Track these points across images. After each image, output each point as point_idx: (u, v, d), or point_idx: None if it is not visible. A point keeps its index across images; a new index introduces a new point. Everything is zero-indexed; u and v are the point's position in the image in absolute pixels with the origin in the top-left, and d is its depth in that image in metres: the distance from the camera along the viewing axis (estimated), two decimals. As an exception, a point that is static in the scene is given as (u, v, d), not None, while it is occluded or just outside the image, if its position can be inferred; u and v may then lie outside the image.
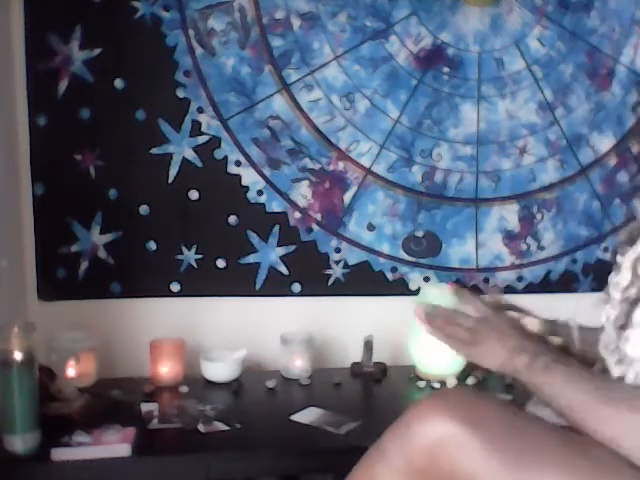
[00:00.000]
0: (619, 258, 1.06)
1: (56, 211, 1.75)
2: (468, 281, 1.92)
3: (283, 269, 1.85)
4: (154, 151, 1.77)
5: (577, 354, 1.15)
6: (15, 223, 1.73)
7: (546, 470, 0.87)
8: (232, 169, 1.80)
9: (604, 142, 1.93)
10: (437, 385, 1.71)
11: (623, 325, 0.98)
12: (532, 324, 1.17)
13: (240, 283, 1.84)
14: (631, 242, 1.04)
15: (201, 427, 1.43)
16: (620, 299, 1.00)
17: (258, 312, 1.85)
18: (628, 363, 0.95)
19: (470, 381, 1.72)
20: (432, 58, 1.84)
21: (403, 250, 1.89)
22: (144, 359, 1.71)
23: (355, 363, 1.82)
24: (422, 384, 1.72)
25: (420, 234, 1.90)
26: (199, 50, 1.76)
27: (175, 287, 1.82)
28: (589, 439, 0.90)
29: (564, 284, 1.97)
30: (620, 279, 1.02)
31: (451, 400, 0.94)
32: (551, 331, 1.21)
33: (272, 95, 1.79)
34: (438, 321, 1.06)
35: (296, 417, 1.50)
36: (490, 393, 1.59)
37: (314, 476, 1.51)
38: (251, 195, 1.82)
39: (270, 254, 1.84)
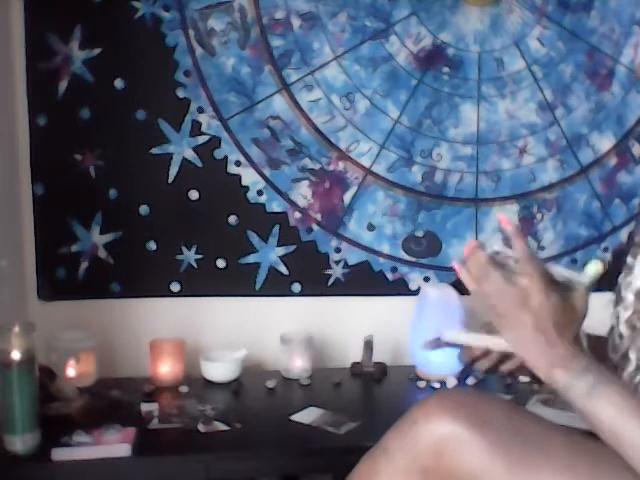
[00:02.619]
0: (630, 260, 1.05)
1: (56, 211, 1.75)
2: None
3: (283, 269, 1.85)
4: (154, 151, 1.77)
5: None
6: (15, 223, 1.73)
7: (549, 471, 0.87)
8: (232, 169, 1.80)
9: (604, 142, 1.93)
10: (437, 385, 1.71)
11: (636, 325, 0.97)
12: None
13: (240, 283, 1.84)
14: None
15: (201, 427, 1.43)
16: (634, 300, 0.99)
17: (258, 312, 1.85)
18: None
19: (470, 381, 1.72)
20: (432, 58, 1.84)
21: (403, 250, 1.89)
22: (144, 359, 1.71)
23: (355, 363, 1.82)
24: (422, 384, 1.72)
25: (420, 234, 1.90)
26: (199, 50, 1.76)
27: (175, 287, 1.82)
28: (590, 440, 0.90)
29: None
30: (633, 279, 1.01)
31: (455, 400, 0.93)
32: None
33: (272, 95, 1.79)
34: (476, 275, 0.94)
35: (296, 417, 1.50)
36: (492, 393, 1.58)
37: (314, 476, 1.51)
38: (251, 195, 1.82)
39: (270, 254, 1.84)
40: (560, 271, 0.98)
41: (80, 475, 1.31)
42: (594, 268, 0.99)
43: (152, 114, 1.75)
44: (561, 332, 0.91)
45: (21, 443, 1.28)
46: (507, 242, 0.98)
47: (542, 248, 1.94)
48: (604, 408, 0.86)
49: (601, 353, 1.05)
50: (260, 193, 1.82)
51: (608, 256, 1.97)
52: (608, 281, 1.10)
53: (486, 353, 1.03)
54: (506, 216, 0.99)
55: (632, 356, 0.98)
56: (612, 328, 1.05)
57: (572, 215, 1.95)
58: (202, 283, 1.82)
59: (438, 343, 1.05)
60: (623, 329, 1.01)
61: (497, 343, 0.98)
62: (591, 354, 0.93)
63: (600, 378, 0.88)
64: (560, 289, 0.95)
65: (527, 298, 0.92)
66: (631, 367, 0.98)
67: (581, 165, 1.93)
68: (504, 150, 1.90)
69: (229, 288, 1.83)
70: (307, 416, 1.50)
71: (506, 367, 1.03)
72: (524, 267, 0.93)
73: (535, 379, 0.95)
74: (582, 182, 1.94)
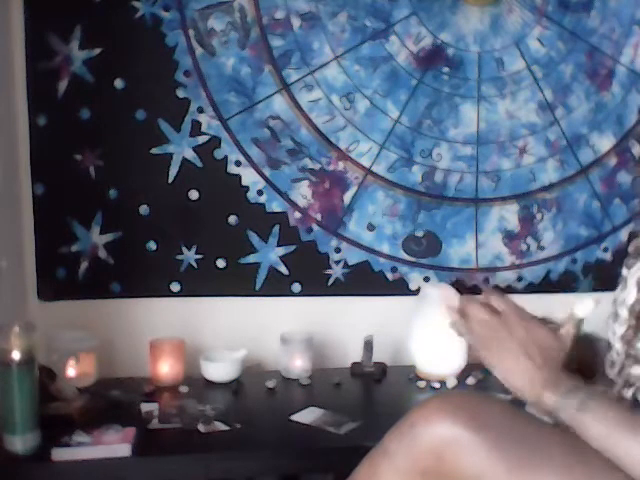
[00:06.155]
0: (624, 271, 1.05)
1: (56, 211, 1.75)
2: (468, 281, 1.92)
3: (283, 269, 1.85)
4: (154, 151, 1.77)
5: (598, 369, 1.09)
6: (15, 223, 1.73)
7: (548, 473, 0.87)
8: (232, 169, 1.80)
9: (604, 142, 1.93)
10: (437, 385, 1.71)
11: (630, 341, 0.97)
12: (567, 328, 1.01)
13: (240, 283, 1.84)
14: (637, 255, 1.03)
15: (201, 427, 1.43)
16: (628, 317, 0.99)
17: (258, 312, 1.85)
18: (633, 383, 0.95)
19: (470, 381, 1.72)
20: (432, 58, 1.84)
21: (403, 250, 1.89)
22: (144, 359, 1.71)
23: (355, 363, 1.82)
24: (422, 384, 1.72)
25: (420, 234, 1.90)
26: (199, 50, 1.76)
27: (175, 287, 1.82)
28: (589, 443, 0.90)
29: (564, 284, 1.97)
30: (626, 296, 1.01)
31: (455, 402, 0.93)
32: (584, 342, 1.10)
33: (272, 95, 1.79)
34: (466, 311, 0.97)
35: (296, 417, 1.50)
36: (491, 394, 1.58)
37: (314, 476, 1.51)
38: (251, 195, 1.82)
39: (270, 254, 1.84)
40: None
41: (80, 475, 1.31)
42: (584, 309, 1.01)
43: (152, 114, 1.75)
44: (547, 357, 0.94)
45: (21, 443, 1.28)
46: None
47: (542, 248, 1.94)
48: (595, 425, 0.88)
49: (591, 353, 1.06)
50: (260, 193, 1.82)
51: (608, 256, 1.97)
52: (609, 282, 1.10)
53: None
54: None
55: (628, 372, 0.98)
56: (609, 344, 1.05)
57: (572, 215, 1.95)
58: (202, 283, 1.82)
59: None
60: (618, 345, 1.01)
61: None
62: (579, 377, 0.94)
63: (588, 396, 0.89)
64: (542, 321, 0.99)
65: (511, 328, 0.96)
66: (625, 383, 0.98)
67: (581, 165, 1.93)
68: (504, 150, 1.90)
69: (229, 288, 1.83)
70: (307, 416, 1.50)
71: None
72: (499, 303, 0.98)
73: None
74: (582, 182, 1.94)
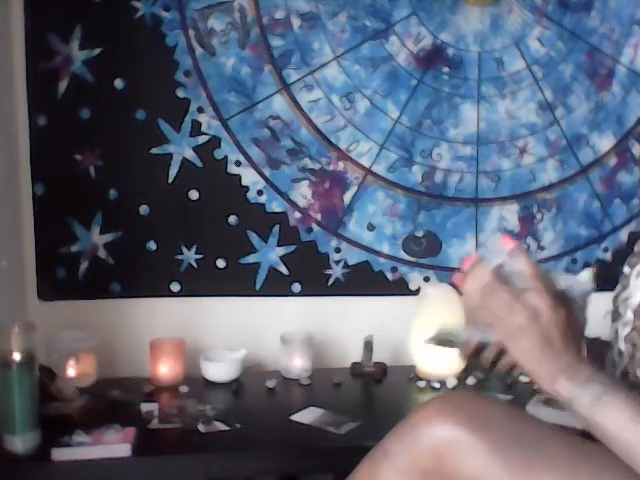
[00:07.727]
0: (626, 269, 1.04)
1: (56, 211, 1.75)
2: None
3: (283, 269, 1.85)
4: (154, 151, 1.77)
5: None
6: (15, 223, 1.73)
7: (550, 475, 0.87)
8: (232, 169, 1.80)
9: (604, 142, 1.93)
10: (437, 385, 1.71)
11: (636, 343, 0.97)
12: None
13: (240, 283, 1.84)
14: None
15: (201, 427, 1.43)
16: (633, 318, 0.98)
17: (258, 312, 1.85)
18: None
19: (470, 381, 1.72)
20: (432, 58, 1.84)
21: (403, 250, 1.89)
22: (144, 359, 1.71)
23: (355, 363, 1.81)
24: (422, 384, 1.72)
25: (420, 234, 1.90)
26: (199, 50, 1.76)
27: (175, 287, 1.82)
28: (591, 442, 0.90)
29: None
30: (630, 296, 1.01)
31: (456, 403, 0.93)
32: None
33: (272, 95, 1.79)
34: (480, 288, 0.90)
35: (296, 417, 1.50)
36: (492, 395, 1.58)
37: (314, 476, 1.51)
38: (251, 195, 1.82)
39: (270, 254, 1.84)
40: (561, 278, 0.95)
41: (80, 475, 1.31)
42: (587, 275, 0.97)
43: (152, 114, 1.75)
44: (566, 344, 0.89)
45: (21, 443, 1.28)
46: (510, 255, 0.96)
47: (542, 248, 1.94)
48: (611, 418, 0.84)
49: (598, 355, 1.05)
50: (260, 193, 1.82)
51: (608, 256, 1.97)
52: (609, 282, 1.10)
53: (482, 348, 1.00)
54: (508, 235, 0.97)
55: (632, 373, 0.98)
56: (610, 343, 1.04)
57: (572, 215, 1.95)
58: (202, 283, 1.82)
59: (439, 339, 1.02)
60: (622, 346, 1.01)
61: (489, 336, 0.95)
62: (593, 363, 0.92)
63: (605, 387, 0.86)
64: (563, 301, 0.92)
65: (537, 314, 0.88)
66: (631, 386, 0.98)
67: (581, 165, 1.93)
68: (504, 150, 1.90)
69: (229, 288, 1.83)
70: (307, 416, 1.50)
71: (505, 361, 1.01)
72: (534, 283, 0.89)
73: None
74: (582, 182, 1.94)
